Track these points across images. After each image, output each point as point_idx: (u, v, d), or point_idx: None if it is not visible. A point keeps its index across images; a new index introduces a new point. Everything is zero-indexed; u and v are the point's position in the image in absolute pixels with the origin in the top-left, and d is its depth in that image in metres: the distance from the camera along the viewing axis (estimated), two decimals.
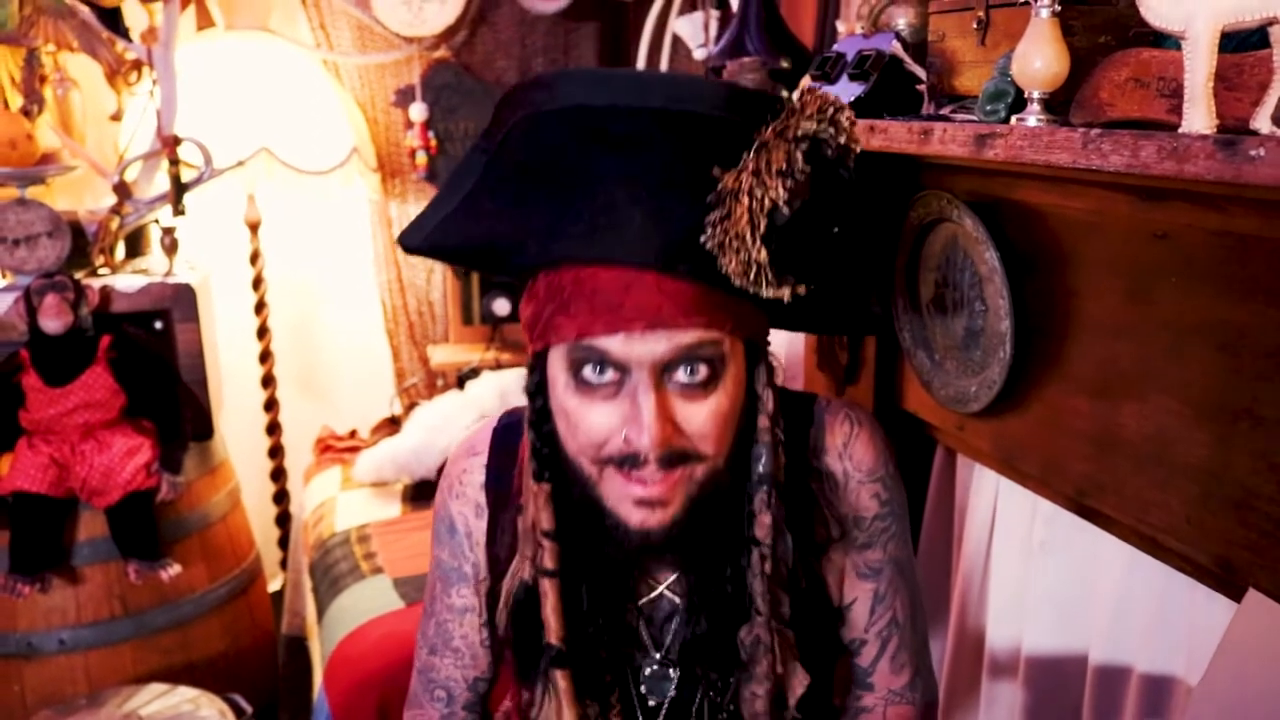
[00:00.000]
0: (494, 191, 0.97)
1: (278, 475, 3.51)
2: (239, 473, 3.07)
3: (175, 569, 2.55)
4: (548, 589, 1.01)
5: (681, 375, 0.92)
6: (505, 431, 1.17)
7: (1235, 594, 1.04)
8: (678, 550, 1.01)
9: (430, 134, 3.36)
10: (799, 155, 0.85)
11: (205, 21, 3.01)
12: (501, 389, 3.06)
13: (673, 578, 1.08)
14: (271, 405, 3.43)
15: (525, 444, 1.06)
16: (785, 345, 2.06)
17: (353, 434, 3.53)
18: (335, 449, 3.40)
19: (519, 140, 0.92)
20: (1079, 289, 1.25)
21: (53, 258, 2.62)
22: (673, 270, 0.90)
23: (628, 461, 0.93)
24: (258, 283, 3.29)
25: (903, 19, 1.47)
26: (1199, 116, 0.81)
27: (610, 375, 0.93)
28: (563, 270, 0.94)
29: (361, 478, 3.07)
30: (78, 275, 2.65)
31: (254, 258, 3.26)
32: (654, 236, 0.90)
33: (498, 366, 3.35)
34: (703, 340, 0.92)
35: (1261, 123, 0.80)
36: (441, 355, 3.48)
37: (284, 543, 3.56)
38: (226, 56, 3.07)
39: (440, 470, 2.92)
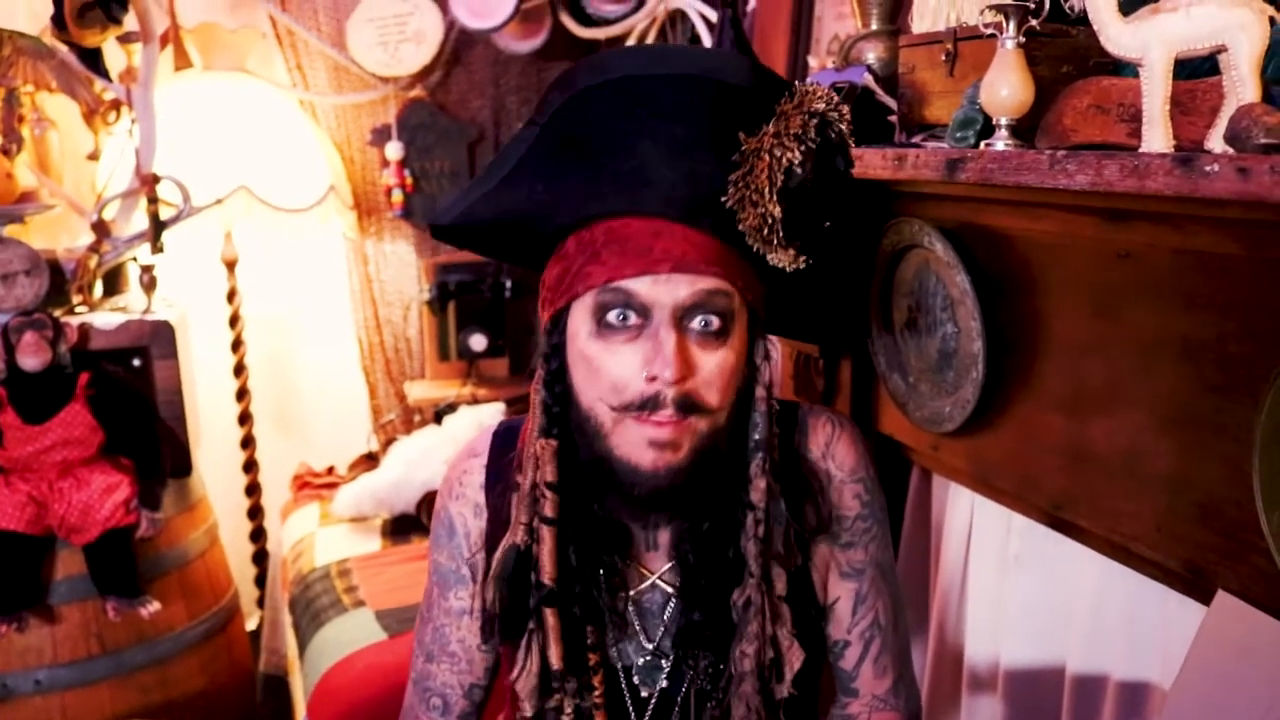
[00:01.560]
0: (536, 168, 1.06)
1: (254, 513, 3.50)
2: (215, 510, 3.06)
3: (154, 606, 2.54)
4: (545, 535, 1.06)
5: (697, 324, 1.01)
6: (505, 435, 1.22)
7: (1204, 597, 1.08)
8: (680, 505, 1.06)
9: (406, 172, 3.40)
10: (812, 126, 0.96)
11: (183, 62, 3.04)
12: (479, 423, 3.08)
13: (666, 567, 1.12)
14: (248, 442, 3.42)
15: (524, 434, 1.12)
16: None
17: (330, 470, 3.53)
18: (313, 485, 3.40)
19: (565, 117, 1.03)
20: (1048, 309, 1.29)
21: (30, 296, 2.62)
22: (697, 223, 1.00)
23: (647, 405, 1.00)
24: (234, 320, 3.30)
25: (873, 53, 1.52)
26: (1157, 137, 0.86)
27: (633, 320, 1.01)
28: (595, 226, 1.03)
29: (340, 513, 3.07)
30: (56, 313, 2.65)
31: (231, 295, 3.28)
32: (683, 191, 1.00)
33: (474, 401, 3.37)
34: (718, 289, 1.01)
35: (1215, 143, 0.86)
36: (418, 391, 3.50)
37: (261, 581, 3.54)
38: (204, 96, 3.10)
39: (419, 504, 2.96)
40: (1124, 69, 1.07)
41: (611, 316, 1.01)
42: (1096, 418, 1.23)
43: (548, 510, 1.06)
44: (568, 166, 1.05)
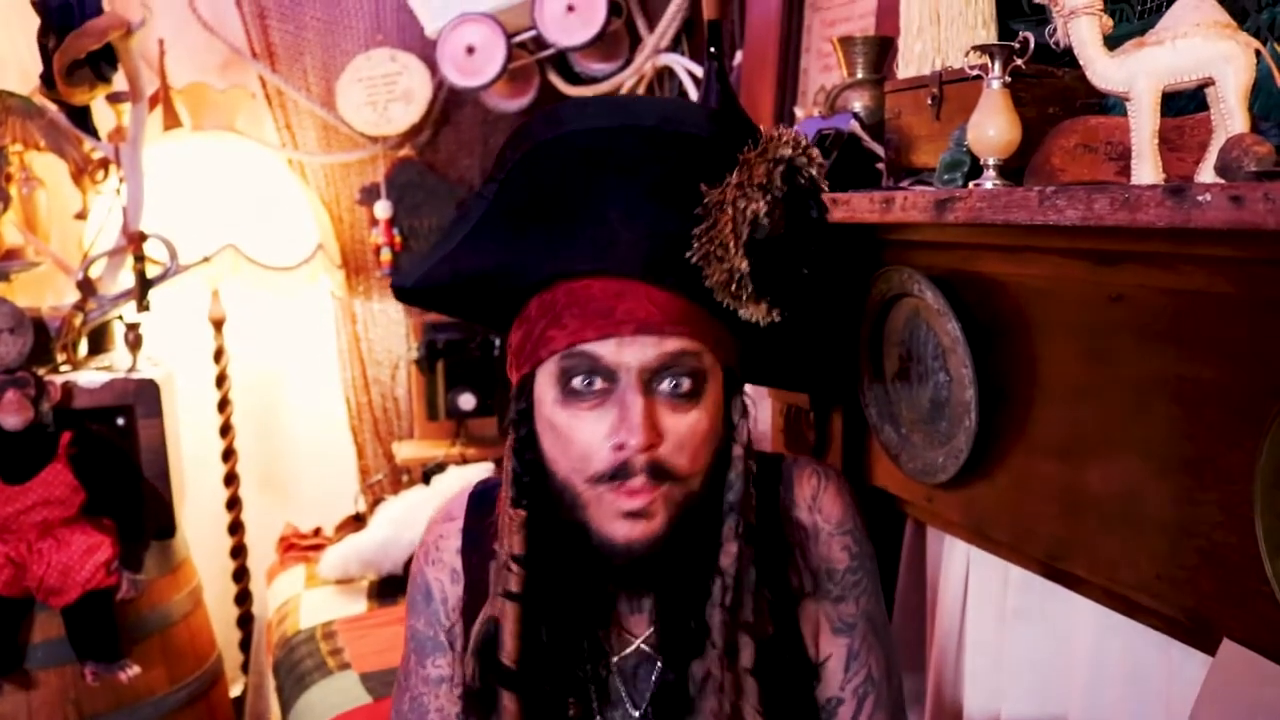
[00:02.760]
0: (496, 227, 1.03)
1: (240, 575, 3.43)
2: (200, 572, 3.01)
3: (134, 670, 2.47)
4: (508, 612, 1.02)
5: (666, 386, 0.98)
6: (481, 497, 1.19)
7: (1208, 646, 1.05)
8: (657, 575, 1.02)
9: (395, 231, 3.39)
10: (777, 174, 0.92)
11: (172, 122, 3.05)
12: (467, 484, 3.03)
13: (649, 632, 1.08)
14: (234, 503, 3.37)
15: (501, 499, 1.07)
16: (752, 422, 2.06)
17: (317, 532, 3.47)
18: (299, 547, 3.35)
19: (522, 174, 1.00)
20: (1040, 354, 1.27)
21: (14, 354, 2.59)
22: (661, 282, 0.97)
23: (619, 475, 0.96)
24: (221, 379, 3.27)
25: (859, 101, 1.52)
26: (1147, 171, 0.85)
27: (599, 384, 0.98)
28: (556, 288, 1.00)
29: (327, 574, 3.01)
30: (40, 371, 2.62)
31: (218, 355, 3.25)
32: (644, 249, 0.97)
33: (463, 461, 3.33)
34: (686, 349, 0.98)
35: (1205, 176, 0.85)
36: (407, 451, 3.46)
37: (246, 645, 3.46)
38: (193, 156, 3.10)
39: (407, 565, 2.91)
40: (1111, 108, 1.07)
41: (576, 382, 0.98)
42: (1092, 464, 1.21)
43: (512, 585, 1.03)
44: (526, 226, 1.02)
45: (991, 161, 1.07)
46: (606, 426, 0.97)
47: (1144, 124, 0.85)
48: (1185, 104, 0.99)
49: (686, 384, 0.98)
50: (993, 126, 1.05)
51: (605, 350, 0.96)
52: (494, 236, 1.03)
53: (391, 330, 3.57)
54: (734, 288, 0.95)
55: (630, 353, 0.96)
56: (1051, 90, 1.13)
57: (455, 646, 1.16)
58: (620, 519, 0.98)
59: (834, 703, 1.15)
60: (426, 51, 3.12)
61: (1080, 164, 1.03)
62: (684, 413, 0.98)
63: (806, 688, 1.14)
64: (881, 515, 1.71)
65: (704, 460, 1.01)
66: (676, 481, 0.99)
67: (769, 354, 1.13)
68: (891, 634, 1.21)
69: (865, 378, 1.60)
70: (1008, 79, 1.05)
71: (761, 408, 2.04)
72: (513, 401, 1.06)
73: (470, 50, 2.80)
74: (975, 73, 1.08)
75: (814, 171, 0.96)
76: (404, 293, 1.11)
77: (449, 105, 3.39)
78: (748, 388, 1.11)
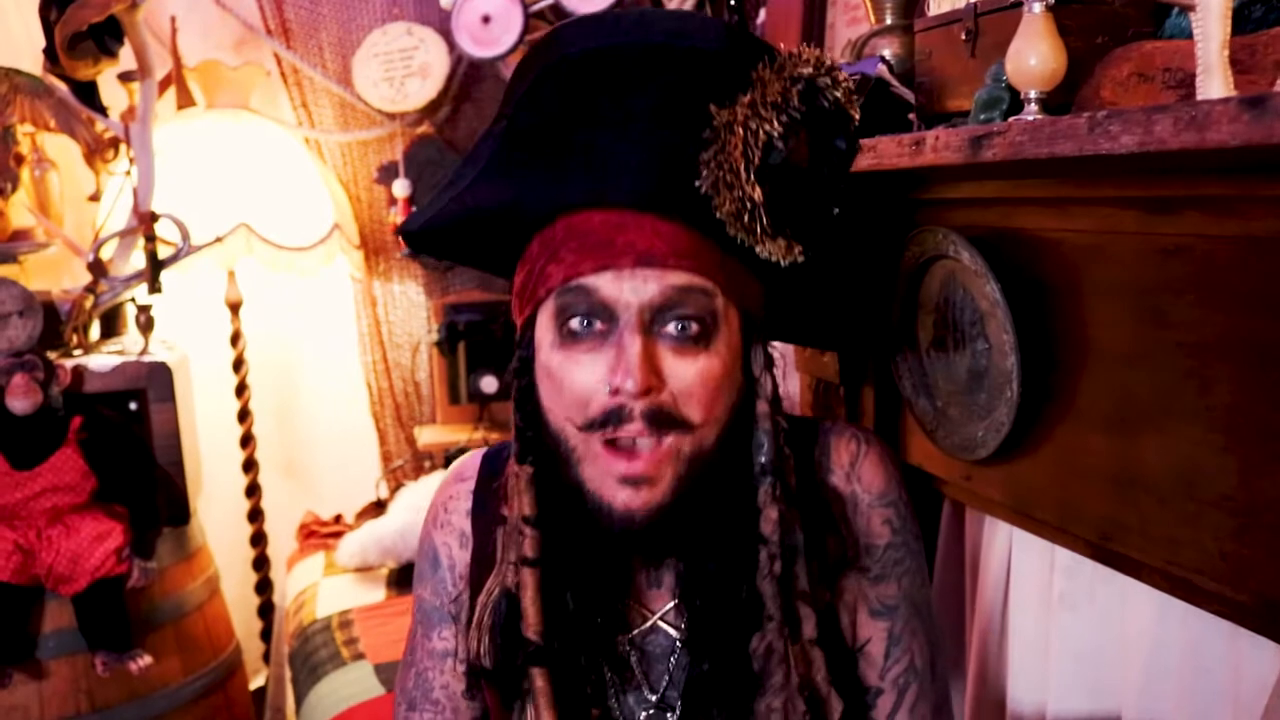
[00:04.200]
0: (503, 164, 0.95)
1: (260, 564, 3.38)
2: (220, 561, 2.96)
3: (146, 660, 2.42)
4: (527, 579, 0.94)
5: (672, 328, 0.89)
6: (495, 458, 1.10)
7: None
8: (670, 544, 0.94)
9: (414, 210, 3.31)
10: (795, 93, 0.83)
11: (186, 101, 2.99)
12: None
13: (669, 606, 0.99)
14: (253, 490, 3.32)
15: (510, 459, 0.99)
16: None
17: (337, 519, 3.41)
18: (319, 535, 3.29)
19: (528, 106, 0.92)
20: (1088, 317, 1.17)
21: (23, 337, 2.53)
22: (668, 213, 0.89)
23: (612, 419, 0.88)
24: (239, 364, 3.21)
25: (888, 49, 1.42)
26: (1216, 85, 0.74)
27: (597, 325, 0.89)
28: (557, 223, 0.92)
29: (345, 562, 2.94)
30: (51, 355, 2.57)
31: (235, 339, 3.19)
32: (649, 177, 0.89)
33: (486, 445, 3.25)
34: (693, 285, 0.89)
35: None
36: (429, 436, 3.39)
37: (267, 635, 3.41)
38: (207, 135, 3.04)
39: None
40: (1168, 35, 0.95)
41: (574, 323, 0.90)
42: (1147, 435, 1.10)
43: (528, 550, 0.94)
44: (530, 159, 0.94)
45: (1033, 95, 0.96)
46: (603, 369, 0.89)
47: (1213, 33, 0.74)
48: (1263, 17, 0.87)
49: (695, 326, 0.89)
50: (1034, 54, 0.94)
51: (602, 284, 0.88)
52: (502, 173, 0.96)
53: (412, 313, 3.50)
54: (746, 219, 0.86)
55: (630, 287, 0.88)
56: (1100, 18, 1.02)
57: (460, 618, 1.08)
58: (618, 485, 0.89)
59: (873, 693, 1.05)
60: (444, 25, 3.03)
61: (1135, 96, 0.92)
62: (691, 358, 0.89)
63: (847, 677, 1.04)
64: (917, 496, 1.60)
65: (718, 412, 0.92)
66: (683, 430, 0.89)
67: (795, 304, 1.03)
68: (936, 620, 1.11)
69: (898, 348, 1.50)
70: (1051, 1, 0.94)
71: (790, 382, 1.95)
72: (516, 348, 0.98)
73: (486, 20, 2.70)
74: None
75: (839, 95, 0.86)
76: (411, 237, 1.05)
77: (468, 80, 3.30)
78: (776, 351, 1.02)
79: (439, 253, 1.10)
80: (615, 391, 0.87)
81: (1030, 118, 0.94)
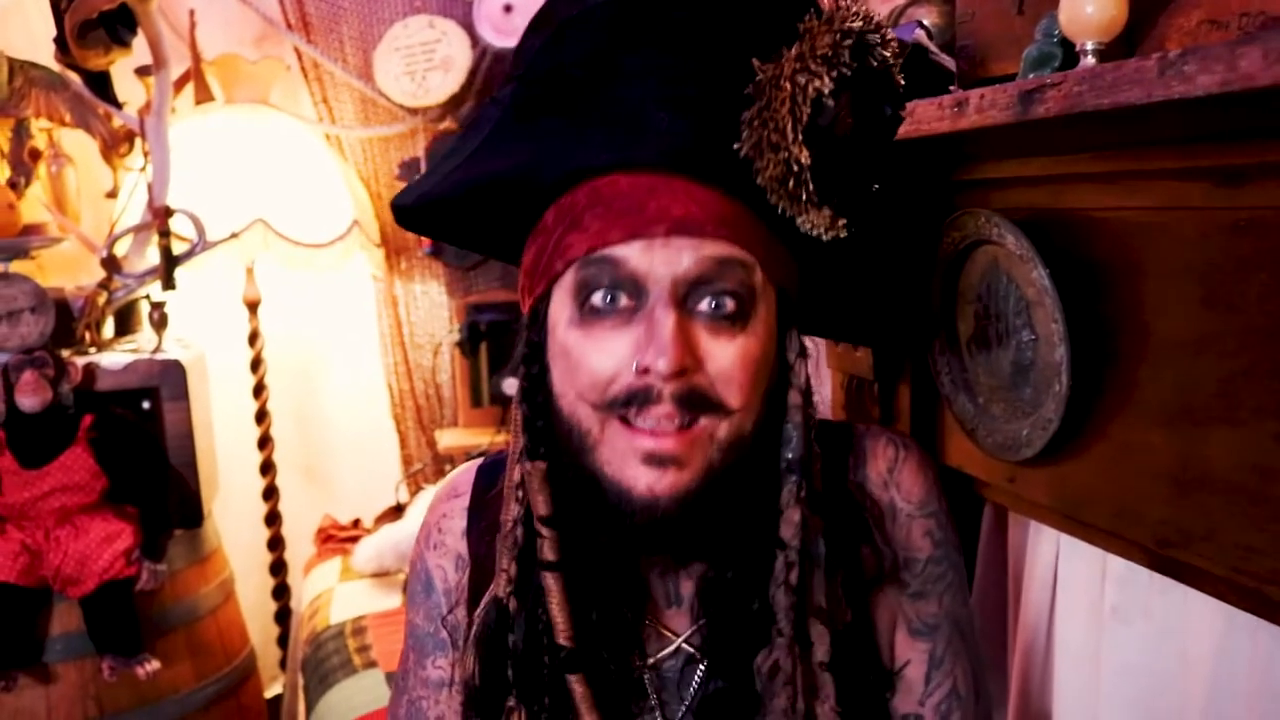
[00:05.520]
0: (513, 130, 0.86)
1: (277, 568, 3.32)
2: (237, 565, 2.90)
3: (154, 665, 2.36)
4: (551, 584, 0.85)
5: (706, 305, 0.80)
6: (490, 471, 1.02)
7: None
8: (696, 541, 0.85)
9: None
10: (845, 48, 0.76)
11: (203, 95, 2.94)
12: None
13: (693, 629, 0.91)
14: (271, 493, 3.26)
15: (510, 457, 0.91)
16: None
17: (355, 523, 3.35)
18: (336, 539, 3.23)
19: (545, 63, 0.84)
20: (1146, 302, 1.07)
21: (35, 334, 2.49)
22: (704, 177, 0.80)
23: (637, 399, 0.79)
24: (257, 364, 3.16)
25: (926, 19, 1.32)
26: None
27: (624, 301, 0.80)
28: (578, 189, 0.83)
29: (361, 567, 2.88)
30: (65, 353, 2.52)
31: (253, 338, 3.14)
32: (684, 137, 0.80)
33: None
34: (731, 257, 0.80)
35: None
36: (450, 439, 3.32)
37: (285, 641, 3.35)
38: (224, 130, 2.99)
39: None
40: None
41: (597, 298, 0.81)
42: (1213, 430, 1.00)
43: (548, 553, 0.85)
44: (548, 121, 0.85)
45: (1090, 46, 0.86)
46: (629, 347, 0.80)
47: None
48: None
49: (730, 304, 0.81)
50: (1091, 2, 0.84)
51: (632, 254, 0.79)
52: (514, 137, 0.87)
53: (434, 313, 3.43)
54: (792, 184, 0.77)
55: (663, 259, 0.79)
56: None
57: (458, 643, 0.99)
58: (640, 464, 0.80)
59: None
60: (467, 18, 2.99)
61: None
62: (729, 338, 0.81)
63: (880, 696, 0.95)
64: (956, 499, 1.51)
65: (754, 396, 0.83)
66: (721, 414, 0.81)
67: (828, 292, 0.94)
68: (979, 640, 1.01)
69: (936, 341, 1.41)
70: None
71: (821, 379, 1.86)
72: (523, 334, 0.89)
73: (508, 9, 2.64)
74: None
75: (887, 54, 0.79)
76: (404, 213, 0.94)
77: (491, 74, 3.23)
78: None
79: (435, 232, 1.01)
80: (644, 371, 0.79)
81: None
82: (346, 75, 3.17)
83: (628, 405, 0.80)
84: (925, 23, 1.29)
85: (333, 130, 3.21)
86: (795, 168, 0.77)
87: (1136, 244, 1.08)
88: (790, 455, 0.86)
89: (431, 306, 3.43)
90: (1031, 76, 0.94)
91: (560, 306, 0.84)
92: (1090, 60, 0.87)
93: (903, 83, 0.82)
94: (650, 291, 0.79)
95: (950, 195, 1.34)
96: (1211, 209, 0.96)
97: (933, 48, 1.17)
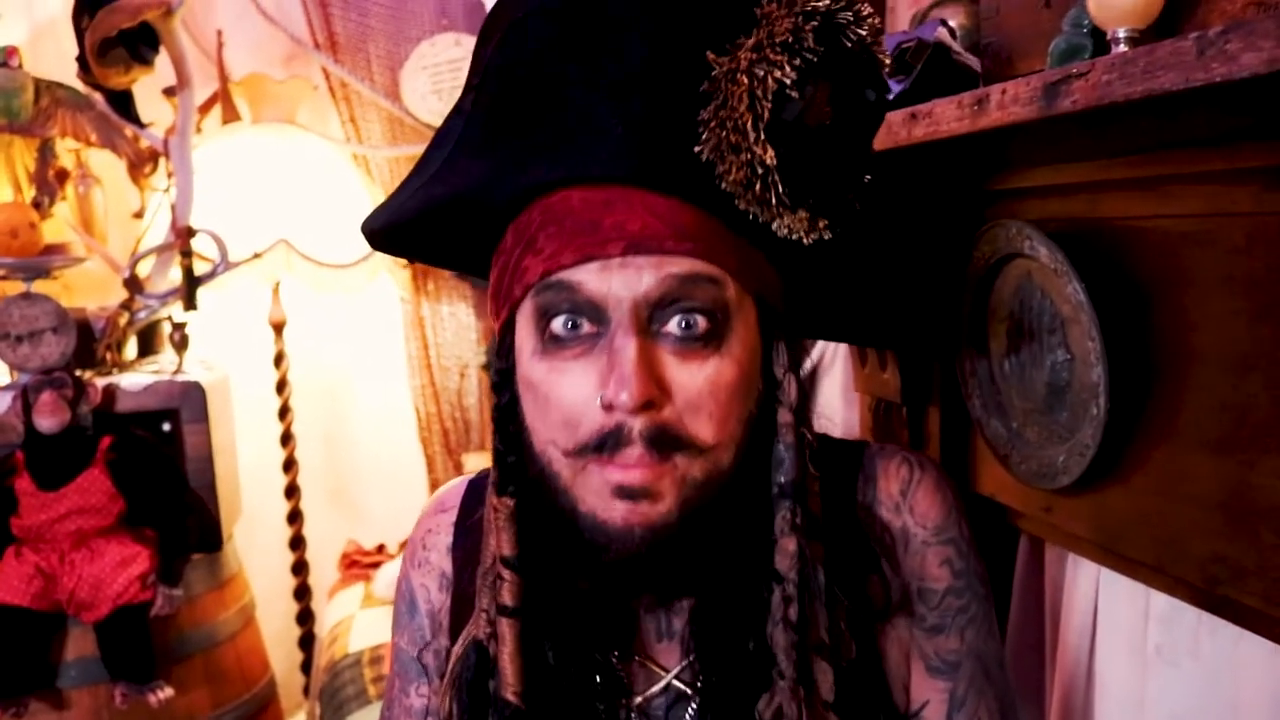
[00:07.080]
0: (471, 143, 0.80)
1: (302, 593, 3.29)
2: (260, 590, 2.86)
3: (166, 693, 2.33)
4: (505, 632, 0.79)
5: (673, 326, 0.74)
6: (481, 485, 0.95)
7: None
8: (680, 577, 0.79)
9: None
10: (809, 31, 0.68)
11: (231, 115, 2.94)
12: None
13: (683, 665, 0.84)
14: (296, 517, 3.23)
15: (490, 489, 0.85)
16: (830, 410, 1.82)
17: (380, 549, 3.31)
18: (360, 564, 3.19)
19: (496, 70, 0.77)
20: (1190, 317, 1.00)
21: (57, 354, 2.48)
22: (663, 186, 0.74)
23: (608, 444, 0.73)
24: (282, 385, 3.14)
25: (952, 20, 1.26)
26: None
27: (585, 327, 0.74)
28: (532, 206, 0.76)
29: (383, 594, 2.84)
30: (86, 374, 2.51)
31: (278, 359, 3.12)
32: (636, 143, 0.73)
33: None
34: (698, 273, 0.73)
35: None
36: (477, 462, 3.27)
37: (308, 667, 3.31)
38: (251, 150, 2.99)
39: None
40: None
41: (557, 325, 0.75)
42: (1265, 456, 0.92)
43: (506, 597, 0.79)
44: (502, 134, 0.79)
45: (1123, 34, 0.80)
46: (593, 379, 0.73)
47: None
48: None
49: (701, 323, 0.74)
50: None
51: (588, 276, 0.72)
52: (471, 153, 0.81)
53: (461, 334, 3.40)
54: (758, 188, 0.70)
55: (621, 280, 0.72)
56: None
57: (433, 673, 0.94)
58: (613, 498, 0.74)
59: None
60: None
61: None
62: (699, 362, 0.74)
63: None
64: (989, 530, 1.44)
65: (732, 426, 0.76)
66: (694, 453, 0.74)
67: (833, 293, 0.87)
68: (1009, 679, 0.94)
69: (967, 361, 1.34)
70: None
71: (849, 403, 1.79)
72: (495, 358, 0.84)
73: None
74: None
75: (863, 32, 0.70)
76: (374, 237, 0.89)
77: None
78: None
79: (408, 253, 0.96)
80: (609, 407, 0.73)
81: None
82: (374, 94, 3.15)
83: (599, 451, 0.74)
84: (950, 23, 1.22)
85: (360, 150, 3.20)
86: (760, 169, 0.70)
87: (1179, 254, 1.01)
88: (783, 479, 0.79)
89: (459, 328, 3.40)
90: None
91: (524, 335, 0.78)
92: (1122, 49, 0.80)
93: (887, 63, 0.74)
94: (611, 316, 0.74)
95: (979, 207, 1.28)
96: (1260, 215, 0.90)
97: (956, 47, 1.10)
